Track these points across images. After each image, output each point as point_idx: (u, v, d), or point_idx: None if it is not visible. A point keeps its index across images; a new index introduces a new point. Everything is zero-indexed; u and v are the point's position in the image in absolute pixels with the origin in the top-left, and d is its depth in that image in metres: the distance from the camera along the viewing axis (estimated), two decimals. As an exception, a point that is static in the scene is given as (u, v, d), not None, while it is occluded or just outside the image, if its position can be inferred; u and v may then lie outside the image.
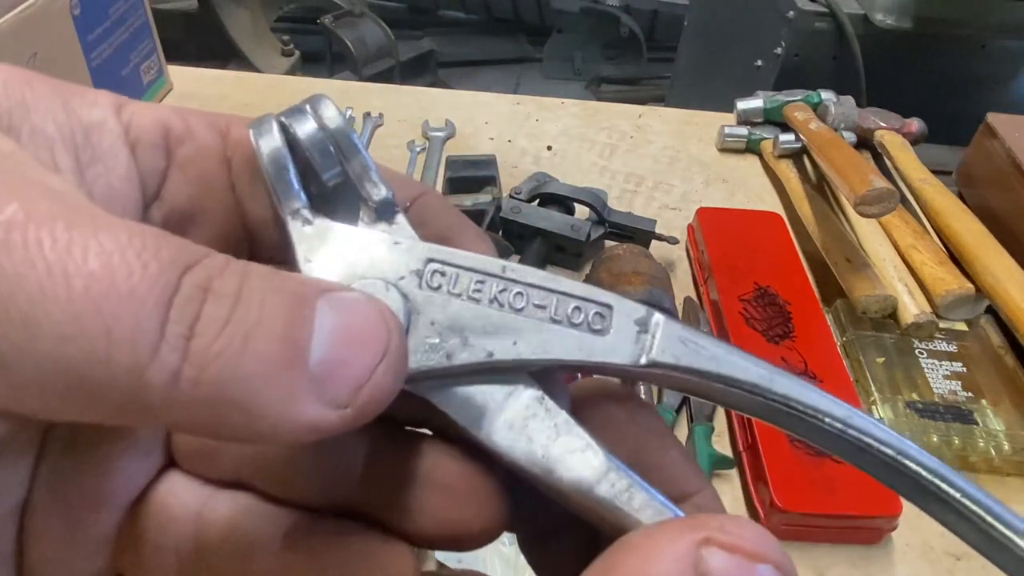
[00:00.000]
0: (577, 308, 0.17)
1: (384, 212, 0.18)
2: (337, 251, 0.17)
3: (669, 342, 0.17)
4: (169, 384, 0.12)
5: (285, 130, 0.17)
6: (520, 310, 0.17)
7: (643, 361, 0.16)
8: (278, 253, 0.18)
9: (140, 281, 0.12)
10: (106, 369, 0.11)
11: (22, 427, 0.14)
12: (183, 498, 0.17)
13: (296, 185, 0.17)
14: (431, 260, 0.17)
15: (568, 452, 0.16)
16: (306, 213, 0.17)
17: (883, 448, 0.16)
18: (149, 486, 0.18)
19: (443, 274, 0.17)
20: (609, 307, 0.17)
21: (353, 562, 0.17)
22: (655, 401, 0.57)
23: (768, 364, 0.16)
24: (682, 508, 0.16)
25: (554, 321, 0.17)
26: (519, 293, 0.17)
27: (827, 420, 0.16)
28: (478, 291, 0.17)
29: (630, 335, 0.17)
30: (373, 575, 0.17)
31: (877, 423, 0.16)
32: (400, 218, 0.18)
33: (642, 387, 0.56)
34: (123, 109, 0.17)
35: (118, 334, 0.11)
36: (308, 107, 0.18)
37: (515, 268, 0.17)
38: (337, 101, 0.68)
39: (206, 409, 0.12)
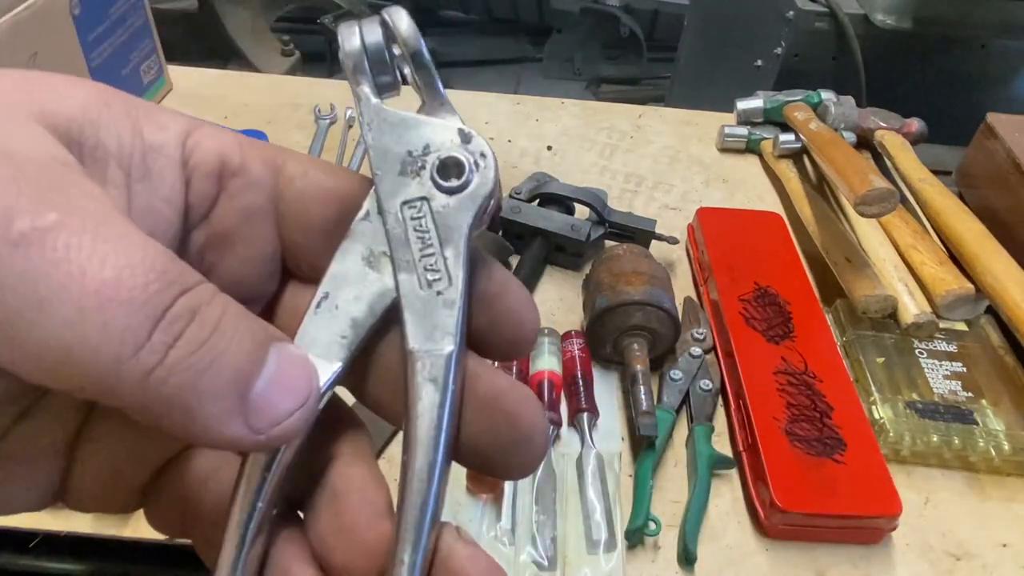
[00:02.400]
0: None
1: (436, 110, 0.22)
2: (388, 125, 0.21)
3: None
4: (140, 378, 0.15)
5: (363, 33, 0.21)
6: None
7: None
8: (308, 273, 0.22)
9: (140, 293, 0.15)
10: (94, 354, 0.14)
11: (25, 390, 0.17)
12: (205, 463, 0.21)
13: (366, 73, 0.21)
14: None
15: None
16: (368, 92, 0.21)
17: None
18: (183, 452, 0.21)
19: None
20: None
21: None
22: (655, 402, 0.57)
23: None
24: None
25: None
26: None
27: None
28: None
29: None
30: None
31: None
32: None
33: (642, 389, 0.56)
34: (192, 134, 0.19)
35: (110, 330, 0.14)
36: (385, 17, 0.21)
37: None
38: (337, 101, 0.69)
39: (159, 405, 0.15)
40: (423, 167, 0.21)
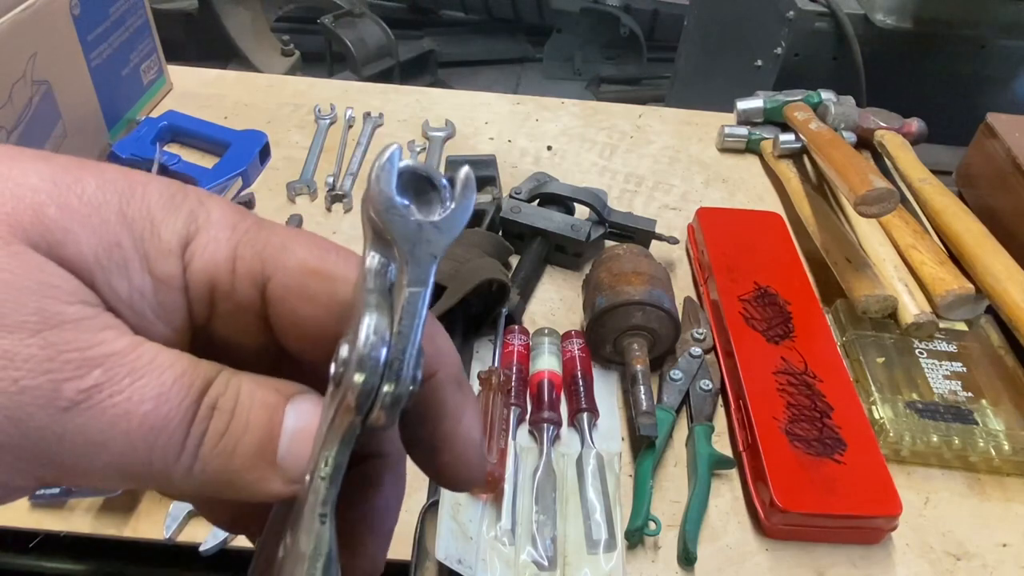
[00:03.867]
0: None
1: None
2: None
3: None
4: (185, 474, 0.18)
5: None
6: None
7: None
8: (296, 370, 0.22)
9: (174, 411, 0.18)
10: (147, 468, 0.18)
11: None
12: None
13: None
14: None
15: None
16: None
17: None
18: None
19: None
20: None
21: None
22: (655, 402, 0.57)
23: None
24: None
25: None
26: None
27: None
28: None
29: None
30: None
31: None
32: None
33: (642, 389, 0.56)
34: (189, 246, 0.20)
35: (155, 448, 0.18)
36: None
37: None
38: (337, 101, 0.70)
39: (207, 487, 0.19)
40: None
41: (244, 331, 0.21)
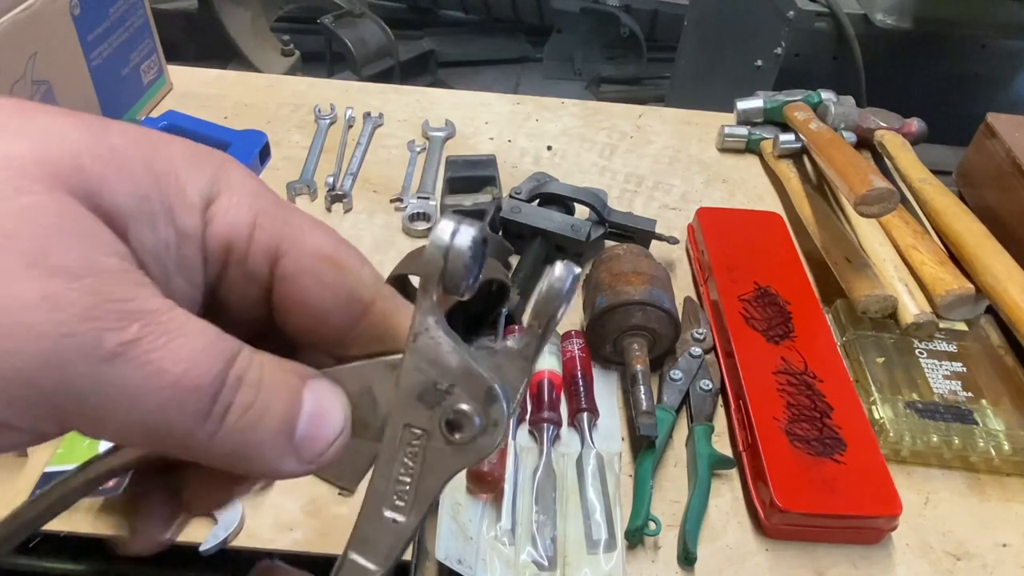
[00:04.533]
0: None
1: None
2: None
3: None
4: (207, 440, 0.19)
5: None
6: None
7: None
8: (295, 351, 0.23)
9: (205, 377, 0.18)
10: (170, 428, 0.18)
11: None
12: None
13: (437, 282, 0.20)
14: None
15: None
16: (433, 301, 0.20)
17: None
18: None
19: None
20: None
21: None
22: (655, 402, 0.57)
23: None
24: None
25: None
26: None
27: None
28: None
29: None
30: None
31: None
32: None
33: (642, 389, 0.56)
34: (211, 203, 0.20)
35: (183, 410, 0.18)
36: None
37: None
38: (337, 101, 0.69)
39: (224, 458, 0.19)
40: (439, 405, 0.20)
41: (245, 300, 0.22)
